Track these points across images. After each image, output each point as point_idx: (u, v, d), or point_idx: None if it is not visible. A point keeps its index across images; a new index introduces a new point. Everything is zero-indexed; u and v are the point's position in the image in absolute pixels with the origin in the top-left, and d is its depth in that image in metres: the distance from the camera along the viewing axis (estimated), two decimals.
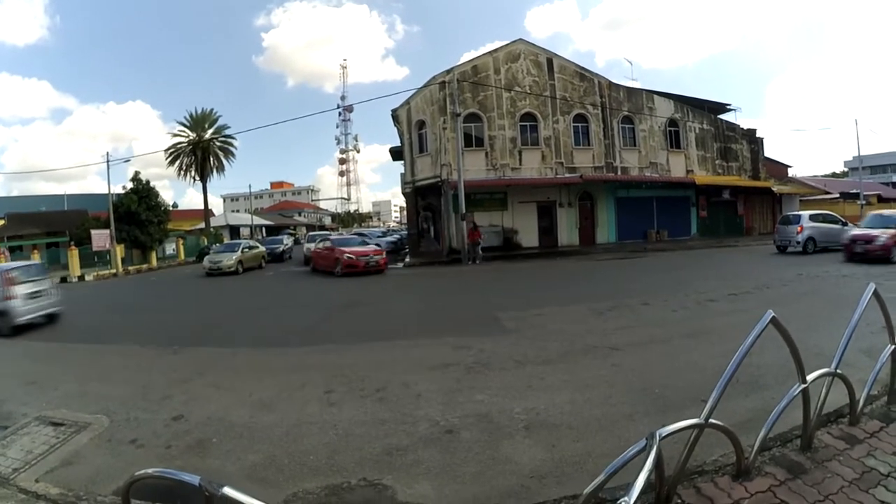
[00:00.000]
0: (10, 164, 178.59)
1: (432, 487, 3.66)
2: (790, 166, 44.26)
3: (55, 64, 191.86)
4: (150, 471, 1.82)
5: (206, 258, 25.41)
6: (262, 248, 28.95)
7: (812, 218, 20.09)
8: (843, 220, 20.90)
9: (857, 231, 16.69)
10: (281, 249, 32.43)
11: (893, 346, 4.03)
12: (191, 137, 43.72)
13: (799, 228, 19.47)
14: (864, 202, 38.41)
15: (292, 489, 3.73)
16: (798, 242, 19.36)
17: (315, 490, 3.70)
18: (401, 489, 3.64)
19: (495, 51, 27.42)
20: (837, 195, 42.38)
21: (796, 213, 22.32)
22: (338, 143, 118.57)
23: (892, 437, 3.69)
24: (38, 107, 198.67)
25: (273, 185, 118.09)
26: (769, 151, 37.38)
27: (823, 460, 3.40)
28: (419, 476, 3.81)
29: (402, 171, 30.82)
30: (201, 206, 46.99)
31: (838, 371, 3.52)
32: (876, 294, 3.76)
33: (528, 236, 27.18)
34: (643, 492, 1.94)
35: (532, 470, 3.79)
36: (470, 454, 4.10)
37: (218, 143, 44.55)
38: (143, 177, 36.17)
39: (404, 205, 43.39)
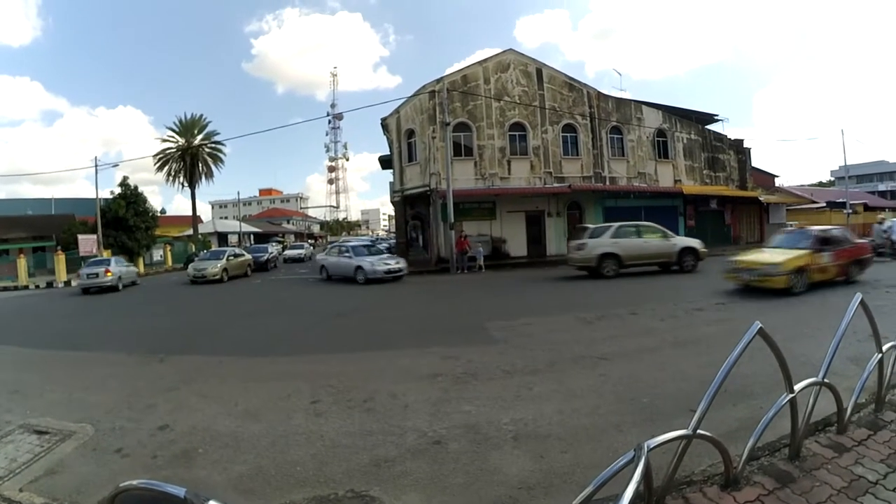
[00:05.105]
0: None
1: (420, 499, 3.62)
2: (777, 176, 44.98)
3: (47, 65, 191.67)
4: (134, 482, 1.78)
5: (191, 266, 25.13)
6: (248, 256, 28.65)
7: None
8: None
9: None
10: (265, 258, 31.51)
11: (880, 355, 4.06)
12: (180, 143, 43.44)
13: None
14: (850, 211, 38.95)
15: (279, 500, 3.68)
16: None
17: (302, 501, 3.65)
18: (389, 500, 3.60)
19: (485, 60, 27.57)
20: (824, 204, 42.88)
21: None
22: (327, 151, 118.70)
23: (879, 444, 3.71)
24: (29, 108, 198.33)
25: (262, 192, 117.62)
26: (756, 161, 37.93)
27: (812, 469, 3.41)
28: (407, 487, 3.77)
29: (391, 180, 30.80)
30: (189, 213, 46.62)
31: (826, 380, 3.53)
32: (863, 303, 3.79)
33: (517, 245, 27.23)
34: (631, 503, 1.92)
35: (520, 481, 3.77)
36: (458, 465, 4.07)
37: (207, 150, 44.29)
38: (131, 182, 36.18)
39: (393, 213, 43.34)
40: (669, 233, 19.38)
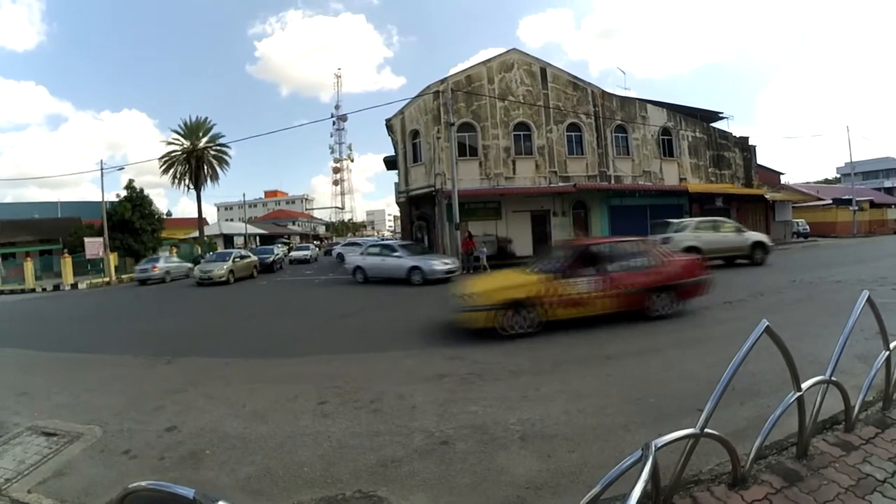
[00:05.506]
0: (5, 171, 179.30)
1: (427, 499, 3.63)
2: (783, 173, 44.73)
3: (52, 70, 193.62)
4: (143, 483, 1.79)
5: (197, 268, 25.23)
6: (253, 258, 28.68)
7: None
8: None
9: None
10: (271, 259, 31.66)
11: (887, 352, 4.03)
12: (185, 146, 43.55)
13: None
14: (856, 208, 38.78)
15: (287, 501, 3.69)
16: None
17: (310, 502, 3.66)
18: (396, 501, 3.61)
19: (489, 60, 27.57)
20: (830, 201, 42.72)
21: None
22: (332, 153, 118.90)
23: (887, 442, 3.70)
24: (34, 112, 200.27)
25: (267, 193, 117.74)
26: (762, 159, 37.88)
27: (819, 467, 3.40)
28: (414, 488, 3.78)
29: (396, 181, 30.82)
30: (195, 215, 46.78)
31: (833, 378, 3.52)
32: (870, 301, 3.77)
33: (523, 245, 27.15)
34: (639, 502, 1.93)
35: (528, 481, 3.77)
36: (465, 465, 4.07)
37: (212, 152, 44.38)
38: (137, 185, 36.54)
39: (398, 214, 43.31)
40: (743, 227, 20.48)
